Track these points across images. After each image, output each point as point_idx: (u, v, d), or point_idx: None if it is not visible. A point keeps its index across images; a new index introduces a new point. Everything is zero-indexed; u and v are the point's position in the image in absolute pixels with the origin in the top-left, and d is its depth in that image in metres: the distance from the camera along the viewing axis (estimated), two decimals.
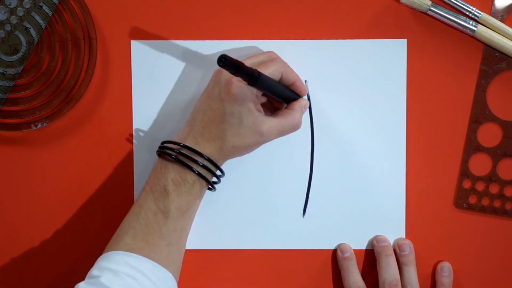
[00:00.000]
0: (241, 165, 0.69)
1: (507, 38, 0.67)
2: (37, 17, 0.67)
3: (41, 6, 0.67)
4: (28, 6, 0.67)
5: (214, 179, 0.64)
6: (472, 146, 0.69)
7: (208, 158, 0.62)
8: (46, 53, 0.68)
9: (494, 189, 0.70)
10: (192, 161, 0.61)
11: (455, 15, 0.67)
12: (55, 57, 0.68)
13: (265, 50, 0.69)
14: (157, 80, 0.69)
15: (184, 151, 0.62)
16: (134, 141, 0.70)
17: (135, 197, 0.70)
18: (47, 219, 0.70)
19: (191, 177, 0.61)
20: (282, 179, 0.70)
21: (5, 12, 0.67)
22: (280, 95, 0.65)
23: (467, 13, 0.68)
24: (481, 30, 0.67)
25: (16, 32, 0.68)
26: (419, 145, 0.69)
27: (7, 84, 0.68)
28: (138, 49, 0.69)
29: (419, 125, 0.69)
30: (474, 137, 0.69)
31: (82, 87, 0.68)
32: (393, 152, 0.69)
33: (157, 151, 0.64)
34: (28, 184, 0.70)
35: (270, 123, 0.63)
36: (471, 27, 0.67)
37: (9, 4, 0.67)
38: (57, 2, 0.67)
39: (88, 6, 0.68)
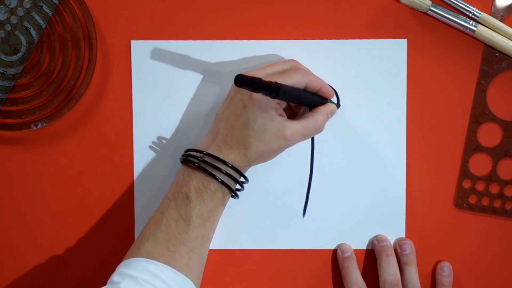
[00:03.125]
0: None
1: (507, 38, 0.67)
2: (37, 17, 0.67)
3: (41, 6, 0.67)
4: (28, 6, 0.67)
5: (238, 186, 0.64)
6: (472, 146, 0.69)
7: (232, 165, 0.61)
8: (46, 53, 0.68)
9: (494, 189, 0.70)
10: (215, 168, 0.61)
11: (455, 15, 0.67)
12: (55, 57, 0.68)
13: (265, 50, 0.69)
14: (157, 80, 0.69)
15: (207, 159, 0.61)
16: (134, 141, 0.70)
17: (135, 197, 0.70)
18: (47, 219, 0.70)
19: (213, 185, 0.61)
20: (282, 179, 0.70)
21: (5, 12, 0.67)
22: (303, 103, 0.65)
23: (467, 13, 0.68)
24: (481, 30, 0.67)
25: (16, 32, 0.68)
26: (419, 145, 0.70)
27: (7, 84, 0.68)
28: (138, 49, 0.69)
29: (419, 125, 0.69)
30: (474, 137, 0.69)
31: (82, 87, 0.68)
32: (393, 152, 0.70)
33: (181, 158, 0.64)
34: (28, 184, 0.70)
35: (294, 126, 0.62)
36: (471, 27, 0.67)
37: (9, 4, 0.67)
38: (57, 2, 0.67)
39: (88, 6, 0.68)
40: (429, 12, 0.67)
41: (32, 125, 0.68)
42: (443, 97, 0.69)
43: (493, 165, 0.70)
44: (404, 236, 0.70)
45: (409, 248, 0.68)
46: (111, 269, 0.70)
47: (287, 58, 0.69)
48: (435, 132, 0.70)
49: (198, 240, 0.61)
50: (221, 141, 0.62)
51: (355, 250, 0.70)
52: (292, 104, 0.67)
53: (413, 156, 0.70)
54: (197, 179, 0.61)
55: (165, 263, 0.60)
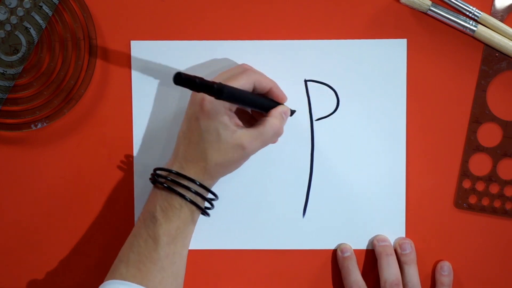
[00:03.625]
0: (242, 165, 0.69)
1: (507, 38, 0.67)
2: (37, 17, 0.67)
3: (41, 6, 0.67)
4: (28, 6, 0.67)
5: (207, 205, 0.64)
6: (472, 146, 0.69)
7: (192, 179, 0.61)
8: (46, 53, 0.68)
9: (494, 189, 0.70)
10: (178, 185, 0.61)
11: (455, 15, 0.67)
12: (55, 57, 0.68)
13: (265, 50, 0.69)
14: (157, 80, 0.69)
15: (172, 176, 0.62)
16: (134, 141, 0.70)
17: (135, 197, 0.70)
18: (47, 219, 0.70)
19: (178, 202, 0.61)
20: (282, 179, 0.70)
21: (5, 12, 0.67)
22: (255, 105, 0.64)
23: (467, 13, 0.68)
24: (481, 30, 0.67)
25: (16, 32, 0.68)
26: (419, 145, 0.69)
27: (7, 84, 0.68)
28: (138, 49, 0.69)
29: (419, 125, 0.69)
30: (474, 137, 0.69)
31: (82, 87, 0.68)
32: (393, 152, 0.70)
33: (150, 178, 0.64)
34: (28, 184, 0.70)
35: (250, 134, 0.62)
36: (471, 27, 0.67)
37: (9, 4, 0.67)
38: (57, 2, 0.67)
39: (88, 6, 0.68)
40: (429, 12, 0.67)
41: (32, 125, 0.68)
42: (443, 97, 0.69)
43: (493, 165, 0.70)
44: (404, 236, 0.70)
45: (409, 248, 0.68)
46: None
47: (287, 58, 0.69)
48: (435, 132, 0.70)
49: (169, 258, 0.61)
50: (182, 158, 0.62)
51: (355, 250, 0.70)
52: (248, 110, 0.66)
53: (413, 156, 0.70)
54: (162, 198, 0.62)
55: (138, 283, 0.60)
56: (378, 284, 0.68)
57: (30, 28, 0.67)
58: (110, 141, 0.70)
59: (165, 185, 0.62)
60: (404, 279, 0.68)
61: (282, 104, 0.66)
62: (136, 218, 0.70)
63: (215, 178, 0.63)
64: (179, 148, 0.63)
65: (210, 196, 0.64)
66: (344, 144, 0.70)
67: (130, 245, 0.62)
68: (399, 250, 0.69)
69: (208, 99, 0.60)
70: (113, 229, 0.70)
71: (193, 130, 0.62)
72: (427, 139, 0.70)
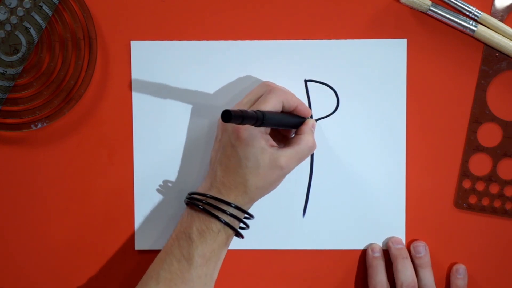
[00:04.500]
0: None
1: (507, 38, 0.67)
2: (37, 17, 0.67)
3: (41, 6, 0.67)
4: (28, 6, 0.67)
5: (243, 225, 0.64)
6: (472, 146, 0.69)
7: (236, 205, 0.62)
8: (46, 53, 0.68)
9: (494, 189, 0.70)
10: (218, 210, 0.61)
11: (455, 15, 0.67)
12: (55, 57, 0.68)
13: (265, 50, 0.69)
14: (157, 80, 0.69)
15: (210, 201, 0.62)
16: (134, 141, 0.70)
17: (135, 197, 0.70)
18: (46, 219, 0.70)
19: (216, 225, 0.61)
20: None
21: (5, 12, 0.67)
22: (287, 125, 0.65)
23: (467, 13, 0.68)
24: (481, 30, 0.67)
25: (16, 32, 0.68)
26: (419, 145, 0.69)
27: (7, 84, 0.68)
28: (138, 49, 0.69)
29: (419, 125, 0.69)
30: (474, 137, 0.69)
31: (82, 87, 0.68)
32: (393, 152, 0.70)
33: (185, 200, 0.64)
34: (28, 184, 0.70)
35: (287, 154, 0.62)
36: (471, 27, 0.67)
37: (9, 4, 0.67)
38: (57, 2, 0.67)
39: (88, 6, 0.68)
40: (429, 12, 0.67)
41: (32, 125, 0.68)
42: (443, 97, 0.69)
43: (493, 165, 0.70)
44: (404, 236, 0.70)
45: (424, 251, 0.69)
46: (111, 269, 0.70)
47: (287, 58, 0.69)
48: (435, 132, 0.70)
49: (201, 280, 0.62)
50: (219, 184, 0.62)
51: (354, 251, 0.70)
52: (279, 129, 0.67)
53: (413, 156, 0.70)
54: (199, 221, 0.62)
55: None
56: (394, 287, 0.68)
57: (30, 28, 0.67)
58: (110, 141, 0.70)
59: (200, 207, 0.62)
60: (420, 282, 0.68)
61: (308, 118, 0.67)
62: (136, 218, 0.70)
63: (254, 201, 0.64)
64: (216, 174, 0.63)
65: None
66: (344, 144, 0.70)
67: (161, 262, 0.62)
68: (413, 253, 0.69)
69: (243, 126, 0.61)
70: (113, 229, 0.70)
71: (230, 157, 0.62)
72: (427, 139, 0.70)
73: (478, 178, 0.70)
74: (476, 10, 0.67)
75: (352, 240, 0.70)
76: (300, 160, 0.64)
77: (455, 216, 0.70)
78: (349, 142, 0.70)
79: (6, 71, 0.68)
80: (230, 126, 0.62)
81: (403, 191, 0.70)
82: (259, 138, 0.61)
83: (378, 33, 0.69)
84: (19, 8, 0.67)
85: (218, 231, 0.62)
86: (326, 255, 0.71)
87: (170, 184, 0.70)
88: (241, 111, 0.55)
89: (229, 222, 0.62)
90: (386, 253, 0.70)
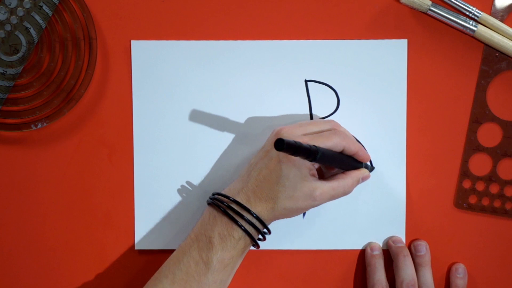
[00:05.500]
0: (242, 166, 0.69)
1: (507, 38, 0.67)
2: (37, 17, 0.67)
3: (41, 6, 0.67)
4: (28, 6, 0.67)
5: (260, 236, 0.64)
6: (472, 146, 0.70)
7: (257, 216, 0.62)
8: (46, 53, 0.68)
9: (494, 189, 0.70)
10: (241, 217, 0.61)
11: (455, 15, 0.67)
12: (55, 57, 0.68)
13: (265, 50, 0.69)
14: (157, 80, 0.69)
15: (234, 206, 0.62)
16: (134, 141, 0.70)
17: (135, 197, 0.70)
18: (46, 219, 0.70)
19: (237, 233, 0.61)
20: None
21: (5, 12, 0.67)
22: (339, 166, 0.65)
23: (467, 13, 0.68)
24: (481, 30, 0.67)
25: (16, 32, 0.68)
26: (419, 145, 0.70)
27: (7, 84, 0.68)
28: (138, 49, 0.69)
29: (419, 125, 0.69)
30: (474, 137, 0.69)
31: (82, 87, 0.68)
32: (393, 152, 0.70)
33: (208, 200, 0.64)
34: (28, 184, 0.70)
35: (324, 187, 0.63)
36: (471, 27, 0.67)
37: (9, 4, 0.67)
38: (57, 2, 0.67)
39: (88, 6, 0.68)
40: (429, 12, 0.67)
41: (32, 125, 0.68)
42: (443, 97, 0.69)
43: (493, 165, 0.70)
44: (404, 236, 0.70)
45: (424, 250, 0.69)
46: (111, 269, 0.70)
47: (287, 58, 0.69)
48: (435, 132, 0.70)
49: (216, 285, 0.62)
50: (250, 191, 0.62)
51: (354, 251, 0.70)
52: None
53: (413, 156, 0.70)
54: (222, 224, 0.62)
55: None
56: (394, 285, 0.68)
57: (30, 28, 0.67)
58: (110, 141, 0.70)
59: (226, 211, 0.62)
60: (419, 280, 0.68)
61: (364, 166, 0.67)
62: (136, 218, 0.70)
63: (276, 219, 0.64)
64: (250, 180, 0.63)
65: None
66: None
67: (178, 261, 0.62)
68: (413, 252, 0.69)
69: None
70: (113, 229, 0.70)
71: (271, 170, 0.62)
72: (427, 139, 0.70)
73: (478, 178, 0.70)
74: (476, 10, 0.67)
75: (352, 240, 0.70)
76: (332, 197, 0.63)
77: (455, 216, 0.70)
78: None
79: (6, 71, 0.68)
80: None
81: (403, 191, 0.70)
82: (306, 164, 0.62)
83: (378, 33, 0.69)
84: (19, 8, 0.67)
85: (239, 238, 0.61)
86: (326, 255, 0.71)
87: (170, 184, 0.70)
88: (295, 143, 0.55)
89: (250, 231, 0.62)
90: (386, 252, 0.70)
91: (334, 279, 0.71)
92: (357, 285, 0.71)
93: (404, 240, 0.70)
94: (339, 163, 0.64)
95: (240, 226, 0.61)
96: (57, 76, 0.68)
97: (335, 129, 0.64)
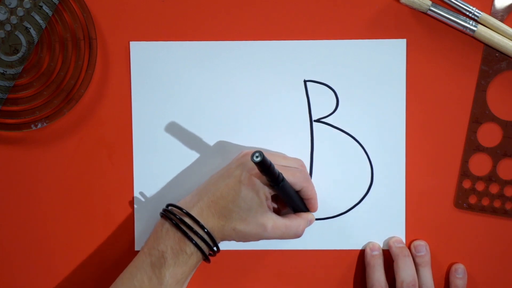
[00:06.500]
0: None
1: (507, 38, 0.67)
2: (37, 17, 0.67)
3: (41, 6, 0.67)
4: (28, 6, 0.67)
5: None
6: (472, 146, 0.69)
7: (208, 232, 0.62)
8: (46, 53, 0.68)
9: (494, 189, 0.70)
10: (193, 232, 0.62)
11: (455, 15, 0.67)
12: (55, 57, 0.68)
13: (265, 50, 0.69)
14: (156, 81, 0.69)
15: (187, 219, 0.62)
16: (134, 141, 0.70)
17: (135, 197, 0.70)
18: (47, 219, 0.70)
19: (190, 248, 0.62)
20: None
21: (5, 12, 0.67)
22: (290, 203, 0.66)
23: (467, 13, 0.68)
24: (481, 30, 0.67)
25: (16, 32, 0.68)
26: (419, 145, 0.69)
27: (7, 84, 0.68)
28: (137, 50, 0.69)
29: (419, 125, 0.69)
30: (474, 137, 0.69)
31: (82, 87, 0.68)
32: (393, 152, 0.69)
33: (161, 212, 0.64)
34: (28, 184, 0.70)
35: (277, 221, 0.63)
36: (471, 27, 0.67)
37: (9, 4, 0.67)
38: (57, 2, 0.67)
39: (88, 6, 0.68)
40: (429, 12, 0.67)
41: (32, 125, 0.69)
42: (443, 97, 0.69)
43: (493, 165, 0.70)
44: (404, 236, 0.70)
45: (424, 250, 0.69)
46: (111, 269, 0.70)
47: (287, 58, 0.69)
48: (435, 132, 0.70)
49: None
50: (205, 205, 0.62)
51: (354, 251, 0.70)
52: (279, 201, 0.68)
53: (413, 156, 0.70)
54: (175, 239, 0.62)
55: None
56: (394, 285, 0.68)
57: (30, 28, 0.67)
58: (110, 141, 0.70)
59: (178, 225, 0.62)
60: (419, 280, 0.68)
61: (311, 212, 0.68)
62: (136, 218, 0.70)
63: (223, 239, 0.64)
64: (207, 195, 0.63)
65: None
66: (344, 144, 0.70)
67: (131, 277, 0.62)
68: (414, 252, 0.69)
69: (259, 172, 0.61)
70: (113, 228, 0.70)
71: (230, 189, 0.62)
72: (427, 139, 0.70)
73: (478, 178, 0.70)
74: (476, 10, 0.67)
75: (352, 240, 0.70)
76: (283, 235, 0.64)
77: (455, 216, 0.70)
78: (348, 142, 0.70)
79: (6, 71, 0.68)
80: (250, 164, 0.62)
81: (403, 191, 0.70)
82: (264, 192, 0.62)
83: (378, 33, 0.69)
84: (19, 8, 0.67)
85: (191, 254, 0.62)
86: (326, 255, 0.71)
87: (170, 184, 0.70)
88: (271, 163, 0.57)
89: (201, 247, 0.62)
90: (386, 252, 0.70)
91: (334, 279, 0.71)
92: (356, 285, 0.71)
93: (404, 240, 0.70)
94: (294, 201, 0.65)
95: (192, 241, 0.61)
96: (57, 76, 0.68)
97: (301, 169, 0.66)
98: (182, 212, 0.62)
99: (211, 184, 0.64)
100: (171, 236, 0.62)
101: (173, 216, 0.62)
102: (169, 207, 0.64)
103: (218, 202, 0.62)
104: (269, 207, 0.64)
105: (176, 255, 0.61)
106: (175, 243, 0.62)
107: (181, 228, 0.61)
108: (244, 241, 0.64)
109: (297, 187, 0.64)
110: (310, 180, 0.66)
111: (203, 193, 0.63)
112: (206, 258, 0.63)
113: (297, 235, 0.65)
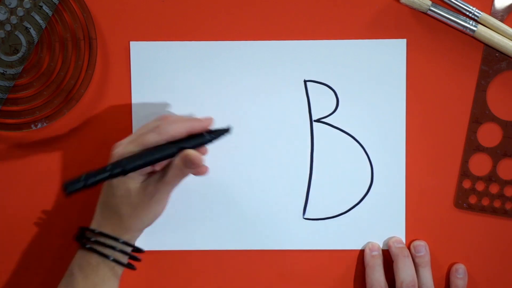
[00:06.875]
0: (242, 165, 0.69)
1: (507, 38, 0.67)
2: (37, 17, 0.67)
3: (41, 6, 0.67)
4: (28, 6, 0.67)
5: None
6: (472, 146, 0.69)
7: (108, 235, 0.62)
8: (46, 53, 0.68)
9: (494, 189, 0.70)
10: (94, 243, 0.62)
11: (455, 15, 0.67)
12: (55, 57, 0.68)
13: (265, 50, 0.69)
14: (156, 81, 0.69)
15: (88, 235, 0.63)
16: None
17: None
18: (46, 219, 0.70)
19: (94, 259, 0.62)
20: (282, 180, 0.70)
21: (5, 12, 0.67)
22: (163, 158, 0.62)
23: (467, 13, 0.68)
24: (481, 30, 0.67)
25: (16, 32, 0.68)
26: (419, 145, 0.69)
27: (7, 84, 0.68)
28: (137, 50, 0.69)
29: (419, 125, 0.69)
30: (474, 137, 0.69)
31: (82, 87, 0.68)
32: (393, 152, 0.69)
33: (74, 236, 0.65)
34: (28, 184, 0.70)
35: (154, 180, 0.62)
36: (471, 27, 0.67)
37: (9, 4, 0.67)
38: (57, 2, 0.67)
39: (88, 6, 0.68)
40: (429, 12, 0.67)
41: (32, 125, 0.69)
42: (443, 97, 0.69)
43: (493, 165, 0.70)
44: (404, 236, 0.70)
45: (424, 250, 0.69)
46: None
47: (287, 58, 0.69)
48: (435, 132, 0.70)
49: None
50: (99, 215, 0.64)
51: (354, 251, 0.70)
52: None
53: (413, 156, 0.70)
54: (81, 255, 0.63)
55: None
56: (394, 285, 0.68)
57: (30, 28, 0.67)
58: (110, 141, 0.70)
59: (78, 238, 0.63)
60: (419, 281, 0.68)
61: (207, 138, 0.63)
62: None
63: (134, 231, 0.64)
64: (98, 205, 0.64)
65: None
66: (344, 144, 0.70)
67: None
68: (413, 252, 0.69)
69: (122, 154, 0.62)
70: None
71: (105, 191, 0.64)
72: (427, 139, 0.70)
73: (478, 178, 0.70)
74: (476, 10, 0.67)
75: (352, 240, 0.70)
76: (168, 192, 0.63)
77: (455, 216, 0.70)
78: (348, 141, 0.70)
79: (6, 71, 0.68)
80: (114, 158, 0.62)
81: (403, 191, 0.70)
82: (135, 178, 0.62)
83: (378, 33, 0.69)
84: (19, 8, 0.67)
85: (98, 264, 0.62)
86: (326, 255, 0.71)
87: None
88: (80, 185, 0.58)
89: (107, 254, 0.62)
90: (385, 252, 0.70)
91: (333, 279, 0.71)
92: (356, 285, 0.71)
93: (404, 240, 0.70)
94: (158, 158, 0.62)
95: (94, 250, 0.62)
96: (57, 76, 0.68)
97: (158, 125, 0.62)
98: (81, 228, 0.64)
99: (100, 199, 0.65)
100: (79, 253, 0.63)
101: (77, 235, 0.64)
102: (83, 230, 0.64)
103: (106, 205, 0.63)
104: (146, 173, 0.63)
105: (82, 269, 0.62)
106: (81, 258, 0.63)
107: (81, 241, 0.63)
108: (153, 220, 0.64)
109: (166, 138, 0.61)
110: (173, 121, 0.62)
111: (97, 208, 0.64)
112: (122, 264, 0.63)
113: (181, 176, 0.62)
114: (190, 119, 0.65)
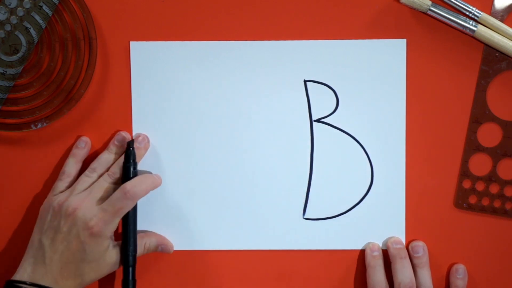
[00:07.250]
0: (242, 165, 0.69)
1: (507, 38, 0.67)
2: (37, 17, 0.67)
3: (41, 6, 0.67)
4: (28, 6, 0.67)
5: None
6: (472, 146, 0.69)
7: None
8: (46, 53, 0.68)
9: (494, 189, 0.70)
10: None
11: (455, 15, 0.67)
12: (55, 57, 0.68)
13: (265, 50, 0.69)
14: (156, 81, 0.69)
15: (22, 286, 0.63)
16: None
17: None
18: None
19: None
20: (282, 180, 0.70)
21: (5, 12, 0.67)
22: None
23: (467, 13, 0.68)
24: (481, 30, 0.67)
25: (16, 32, 0.68)
26: (419, 145, 0.69)
27: (7, 84, 0.68)
28: (137, 50, 0.69)
29: (419, 125, 0.69)
30: (474, 137, 0.69)
31: (82, 87, 0.68)
32: (393, 152, 0.69)
33: None
34: (28, 184, 0.70)
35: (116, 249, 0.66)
36: (471, 27, 0.67)
37: (9, 4, 0.67)
38: (57, 2, 0.67)
39: (88, 6, 0.68)
40: (429, 12, 0.67)
41: (32, 125, 0.69)
42: (443, 97, 0.69)
43: (493, 165, 0.70)
44: (404, 236, 0.70)
45: (421, 251, 0.68)
46: None
47: (287, 58, 0.69)
48: (435, 132, 0.70)
49: None
50: (56, 273, 0.63)
51: (353, 251, 0.70)
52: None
53: (413, 156, 0.70)
54: None
55: None
56: (392, 286, 0.68)
57: (30, 28, 0.67)
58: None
59: None
60: (417, 281, 0.68)
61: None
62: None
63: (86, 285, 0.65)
64: (53, 263, 0.63)
65: None
66: (344, 144, 0.70)
67: None
68: (411, 253, 0.69)
69: (96, 225, 0.63)
70: None
71: (74, 252, 0.63)
72: (427, 139, 0.70)
73: (478, 178, 0.70)
74: (476, 10, 0.67)
75: (352, 240, 0.70)
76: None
77: (455, 216, 0.70)
78: (348, 141, 0.70)
79: (6, 71, 0.68)
80: (81, 221, 0.63)
81: (403, 191, 0.70)
82: (109, 236, 0.65)
83: (378, 33, 0.69)
84: (19, 8, 0.67)
85: None
86: (326, 255, 0.70)
87: (169, 185, 0.70)
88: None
89: None
90: (385, 253, 0.70)
91: (334, 279, 0.71)
92: (357, 286, 0.71)
93: (403, 240, 0.70)
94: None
95: None
96: (57, 76, 0.68)
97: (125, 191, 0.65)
98: (33, 285, 0.63)
99: (50, 251, 0.64)
100: None
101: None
102: (14, 284, 0.63)
103: (68, 266, 0.63)
104: (113, 240, 0.66)
105: None
106: None
107: None
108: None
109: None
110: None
111: (48, 262, 0.63)
112: None
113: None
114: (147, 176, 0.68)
